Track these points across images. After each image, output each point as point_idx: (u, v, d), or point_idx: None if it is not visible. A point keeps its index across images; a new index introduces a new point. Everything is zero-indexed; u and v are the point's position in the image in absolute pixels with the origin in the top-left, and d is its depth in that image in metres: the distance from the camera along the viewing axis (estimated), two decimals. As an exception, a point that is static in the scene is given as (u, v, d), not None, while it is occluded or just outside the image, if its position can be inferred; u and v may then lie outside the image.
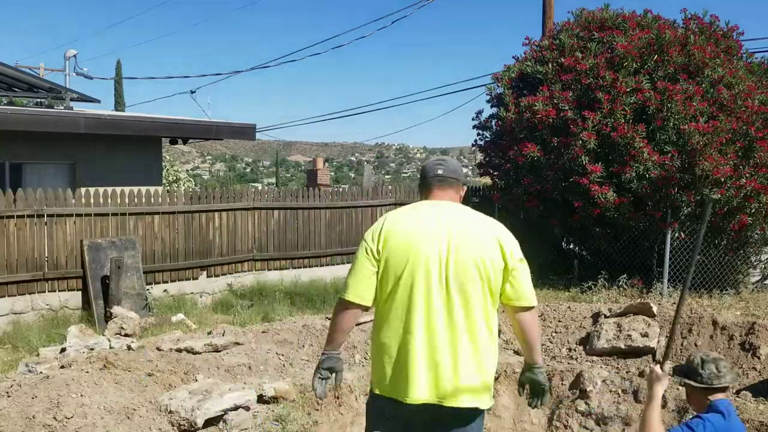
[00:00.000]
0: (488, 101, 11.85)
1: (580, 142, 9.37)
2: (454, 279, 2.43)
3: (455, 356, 2.42)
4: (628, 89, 9.30)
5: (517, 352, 6.24)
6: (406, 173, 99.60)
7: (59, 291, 7.81)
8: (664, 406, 5.30)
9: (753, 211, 9.10)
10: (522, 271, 2.57)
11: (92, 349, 5.64)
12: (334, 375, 2.69)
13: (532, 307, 2.58)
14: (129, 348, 5.44)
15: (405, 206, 2.65)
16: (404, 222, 2.52)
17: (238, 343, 5.51)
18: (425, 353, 2.42)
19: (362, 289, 2.56)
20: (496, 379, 5.92)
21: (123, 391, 4.34)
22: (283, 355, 5.46)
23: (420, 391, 2.42)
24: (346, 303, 2.60)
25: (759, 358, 5.58)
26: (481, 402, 2.48)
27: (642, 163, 8.99)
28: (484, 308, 2.46)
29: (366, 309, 2.58)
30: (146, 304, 8.04)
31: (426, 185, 2.65)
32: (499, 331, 6.50)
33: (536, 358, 2.64)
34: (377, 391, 2.56)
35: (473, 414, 2.48)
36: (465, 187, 2.73)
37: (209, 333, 6.06)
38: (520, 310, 2.55)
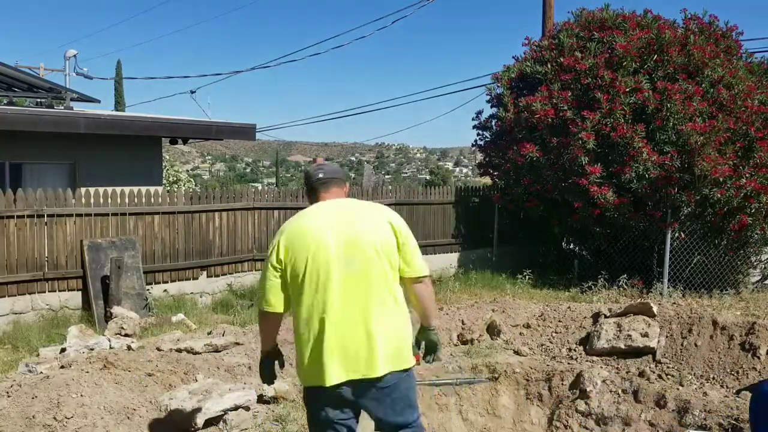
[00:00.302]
0: (488, 101, 11.86)
1: (580, 142, 9.38)
2: (356, 262, 2.69)
3: (367, 331, 2.67)
4: (627, 89, 9.30)
5: (516, 352, 6.24)
6: (406, 173, 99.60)
7: (59, 291, 7.81)
8: (664, 406, 5.30)
9: (753, 211, 9.10)
10: (411, 245, 2.83)
11: (92, 349, 5.64)
12: (276, 363, 3.06)
13: (425, 277, 2.87)
14: (129, 348, 5.44)
15: (297, 214, 2.91)
16: (298, 226, 2.79)
17: (238, 343, 5.51)
18: (337, 336, 2.66)
19: (272, 298, 2.78)
20: (496, 379, 5.93)
21: (123, 391, 4.34)
22: (283, 355, 5.46)
23: (338, 374, 2.66)
24: (263, 313, 2.87)
25: (759, 358, 5.58)
26: (399, 364, 2.74)
27: (641, 163, 9.00)
28: (386, 283, 2.73)
29: (282, 313, 2.83)
30: (146, 304, 8.04)
31: (312, 190, 2.95)
32: (499, 331, 6.51)
33: (431, 321, 3.00)
34: (305, 384, 2.81)
35: (398, 376, 2.74)
36: (347, 184, 3.04)
37: (209, 333, 6.06)
38: (415, 281, 2.84)
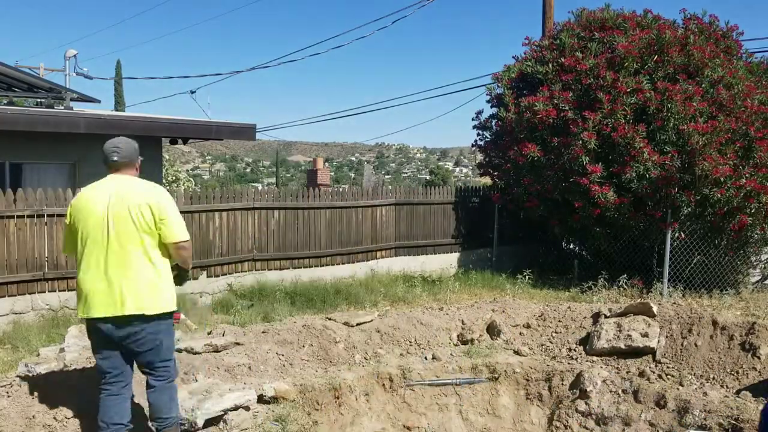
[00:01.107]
0: (488, 101, 11.87)
1: (581, 142, 9.38)
2: (115, 227, 3.48)
3: (120, 282, 3.45)
4: (628, 89, 9.31)
5: (516, 352, 6.24)
6: (406, 173, 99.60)
7: (59, 291, 7.82)
8: (664, 406, 5.30)
9: (753, 211, 9.10)
10: (170, 219, 3.55)
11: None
12: None
13: (182, 242, 3.60)
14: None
15: (92, 183, 3.68)
16: (84, 196, 3.61)
17: (238, 343, 5.50)
18: (101, 282, 3.47)
19: (65, 244, 3.74)
20: (496, 379, 5.93)
21: (123, 391, 4.33)
22: (283, 355, 5.46)
23: (99, 308, 3.46)
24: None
25: (759, 358, 5.58)
26: (146, 309, 3.47)
27: (642, 163, 9.00)
28: (142, 246, 3.50)
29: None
30: (146, 304, 8.04)
31: (107, 166, 3.67)
32: (499, 332, 6.51)
33: (186, 268, 3.80)
34: (81, 315, 3.57)
35: (146, 319, 3.49)
36: (139, 160, 3.77)
37: (209, 333, 6.06)
38: (174, 246, 3.59)
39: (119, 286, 3.45)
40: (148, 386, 3.67)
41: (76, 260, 3.60)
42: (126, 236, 3.48)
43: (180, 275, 3.83)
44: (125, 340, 3.51)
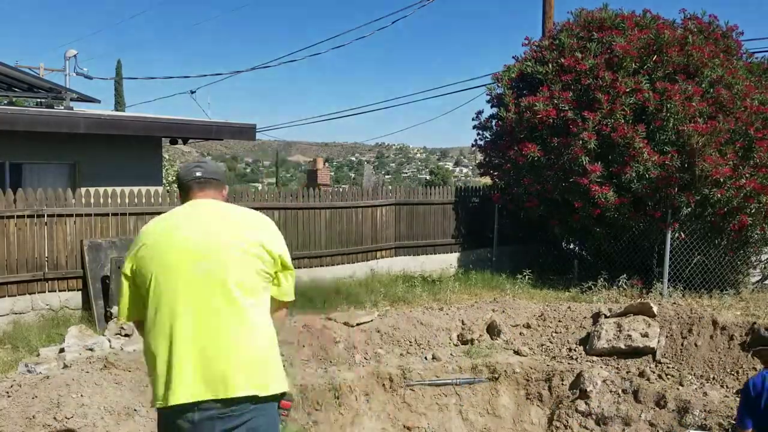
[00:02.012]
0: (488, 101, 11.87)
1: (581, 142, 9.38)
2: (212, 273, 2.37)
3: (221, 351, 2.32)
4: (627, 89, 9.31)
5: (516, 352, 6.24)
6: (406, 173, 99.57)
7: (59, 291, 7.81)
8: (664, 406, 5.30)
9: (753, 211, 9.10)
10: (289, 267, 2.53)
11: (92, 350, 5.64)
12: None
13: (290, 301, 2.60)
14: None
15: (161, 215, 2.58)
16: (156, 233, 2.47)
17: (238, 343, 5.51)
18: (186, 352, 2.31)
19: (126, 308, 2.49)
20: (496, 379, 5.92)
21: (123, 392, 4.34)
22: (283, 355, 5.45)
23: (186, 391, 2.29)
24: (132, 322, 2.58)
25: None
26: (259, 389, 2.35)
27: (642, 164, 9.00)
28: (246, 299, 2.39)
29: (141, 321, 2.48)
30: (146, 304, 8.03)
31: (185, 188, 2.61)
32: (499, 332, 6.50)
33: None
34: (157, 405, 2.37)
35: (256, 402, 2.35)
36: (227, 187, 2.70)
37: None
38: (282, 305, 2.58)
39: (218, 358, 2.33)
40: None
41: (143, 325, 2.44)
42: (230, 287, 2.37)
43: None
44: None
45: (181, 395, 2.28)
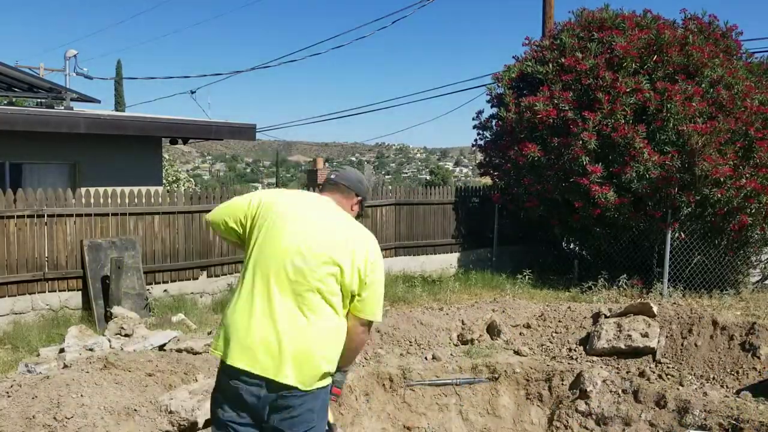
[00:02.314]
0: (488, 101, 11.88)
1: (581, 142, 9.38)
2: (307, 261, 2.50)
3: (291, 335, 2.46)
4: (627, 89, 9.31)
5: (517, 353, 6.24)
6: (406, 173, 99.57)
7: (59, 291, 7.82)
8: (664, 406, 5.30)
9: (753, 211, 9.11)
10: (372, 286, 2.65)
11: (92, 350, 5.63)
12: None
13: (373, 323, 2.72)
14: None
15: (295, 190, 2.84)
16: (287, 198, 2.67)
17: (238, 343, 5.51)
18: (258, 321, 2.46)
19: (224, 216, 2.67)
20: (496, 379, 5.92)
21: (123, 392, 4.33)
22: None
23: (246, 360, 2.44)
24: (208, 222, 2.76)
25: (759, 358, 5.58)
26: (304, 384, 2.47)
27: (642, 164, 9.00)
28: (326, 299, 2.52)
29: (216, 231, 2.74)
30: (146, 304, 8.04)
31: (322, 185, 2.87)
32: (499, 332, 6.50)
33: (348, 365, 2.85)
34: (216, 354, 2.56)
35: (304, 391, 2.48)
36: (358, 197, 2.82)
37: (209, 333, 6.06)
38: (363, 323, 2.67)
39: (284, 340, 2.46)
40: None
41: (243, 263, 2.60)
42: (315, 282, 2.50)
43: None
44: (273, 412, 2.48)
45: (237, 359, 2.44)
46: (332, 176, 2.83)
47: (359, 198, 2.83)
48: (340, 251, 2.55)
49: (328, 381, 2.60)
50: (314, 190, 10.83)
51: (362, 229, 2.69)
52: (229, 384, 2.49)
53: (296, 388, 2.45)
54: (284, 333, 2.45)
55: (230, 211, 2.66)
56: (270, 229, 2.54)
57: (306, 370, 2.47)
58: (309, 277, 2.49)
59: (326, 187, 2.81)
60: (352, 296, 2.59)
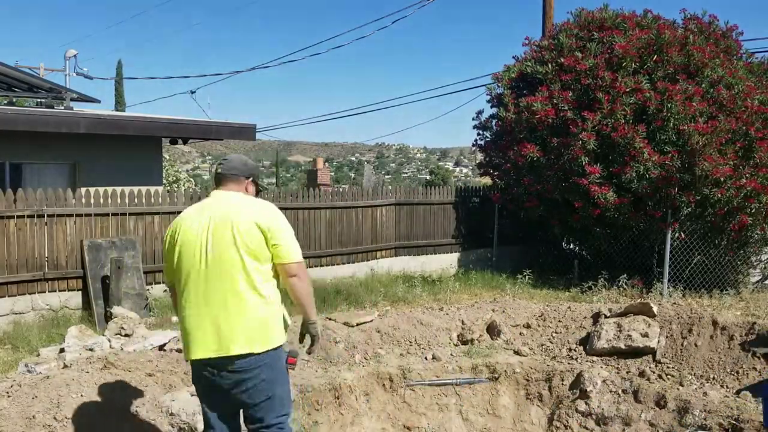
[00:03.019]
0: (488, 101, 11.88)
1: (580, 142, 9.38)
2: (214, 251, 2.96)
3: (224, 314, 2.91)
4: (627, 89, 9.31)
5: (517, 353, 6.24)
6: (406, 173, 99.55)
7: (59, 291, 7.81)
8: (664, 406, 5.30)
9: (753, 211, 9.10)
10: (281, 238, 3.00)
11: (92, 350, 5.63)
12: None
13: (294, 264, 3.02)
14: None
15: (192, 206, 3.23)
16: (185, 217, 3.14)
17: (238, 343, 5.51)
18: (199, 316, 2.94)
19: (167, 273, 3.18)
20: (496, 379, 5.93)
21: (123, 392, 4.33)
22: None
23: (200, 350, 2.93)
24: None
25: (759, 358, 5.58)
26: (253, 347, 2.90)
27: (642, 164, 9.00)
28: (245, 271, 2.93)
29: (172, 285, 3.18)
30: (146, 304, 8.03)
31: (214, 180, 3.22)
32: (499, 332, 6.50)
33: (310, 316, 3.15)
34: (185, 357, 3.07)
35: (251, 361, 2.92)
36: (249, 179, 3.20)
37: (303, 348, 6.06)
38: (287, 274, 3.01)
39: (223, 320, 2.92)
40: None
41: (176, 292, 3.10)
42: (229, 262, 2.94)
43: (307, 329, 3.21)
44: (234, 388, 2.96)
45: (196, 353, 2.94)
46: (219, 170, 3.15)
47: (249, 178, 3.20)
48: (242, 223, 2.96)
49: (273, 345, 2.97)
50: (314, 190, 10.82)
51: (256, 202, 3.11)
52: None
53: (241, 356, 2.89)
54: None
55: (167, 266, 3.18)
56: (182, 248, 3.07)
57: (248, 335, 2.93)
58: (225, 257, 2.96)
59: (220, 181, 3.15)
60: (271, 247, 2.98)
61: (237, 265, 2.93)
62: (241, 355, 2.89)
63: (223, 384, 2.95)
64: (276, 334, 3.00)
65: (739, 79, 9.37)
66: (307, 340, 3.26)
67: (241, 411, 3.11)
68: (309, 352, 3.36)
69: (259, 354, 2.91)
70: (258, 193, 3.28)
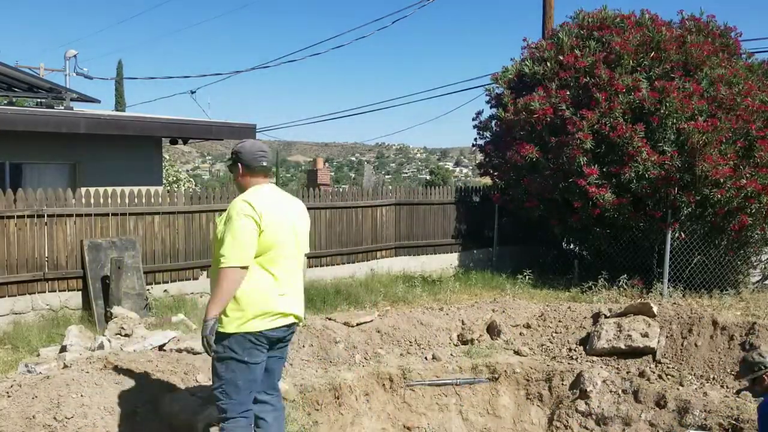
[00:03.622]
0: (488, 102, 11.90)
1: (578, 142, 9.37)
2: (301, 240, 3.57)
3: (299, 289, 3.51)
4: (624, 88, 9.30)
5: (517, 353, 6.24)
6: (406, 173, 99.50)
7: (59, 291, 7.81)
8: (664, 406, 5.30)
9: (753, 211, 9.09)
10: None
11: (92, 350, 5.63)
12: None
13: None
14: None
15: (253, 189, 3.42)
16: (270, 202, 3.38)
17: (238, 343, 5.51)
18: (290, 289, 3.41)
19: (246, 254, 3.25)
20: (496, 379, 5.93)
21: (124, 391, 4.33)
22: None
23: (287, 316, 3.38)
24: (236, 270, 3.25)
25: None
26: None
27: (641, 163, 8.99)
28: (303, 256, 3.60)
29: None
30: (146, 305, 8.03)
31: (254, 171, 3.44)
32: (499, 332, 6.51)
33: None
34: (253, 330, 3.28)
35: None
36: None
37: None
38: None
39: (299, 294, 3.53)
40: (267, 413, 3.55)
41: (257, 266, 3.35)
42: (303, 246, 3.62)
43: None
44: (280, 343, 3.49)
45: (284, 320, 3.37)
46: (265, 163, 3.46)
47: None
48: (306, 217, 3.70)
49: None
50: (315, 190, 10.82)
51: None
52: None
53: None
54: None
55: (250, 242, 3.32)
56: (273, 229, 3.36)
57: None
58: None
59: (266, 174, 3.50)
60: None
61: (302, 255, 3.60)
62: (301, 319, 3.51)
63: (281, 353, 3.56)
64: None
65: (739, 77, 9.37)
66: None
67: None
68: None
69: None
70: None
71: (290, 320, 3.42)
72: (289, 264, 3.44)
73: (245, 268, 3.24)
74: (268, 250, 3.32)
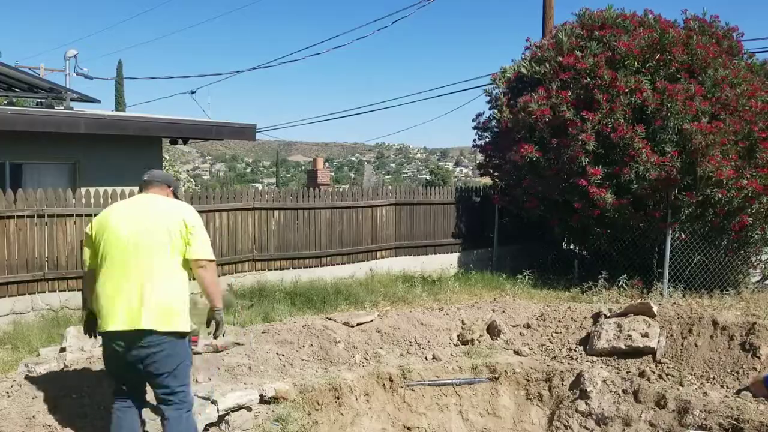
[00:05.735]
0: (487, 102, 11.90)
1: (580, 143, 9.36)
2: (139, 239, 3.45)
3: (140, 295, 3.35)
4: (626, 89, 9.29)
5: (517, 353, 6.24)
6: (406, 173, 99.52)
7: (59, 291, 7.81)
8: (664, 406, 5.30)
9: (753, 211, 9.09)
10: (196, 235, 3.51)
11: (92, 350, 5.62)
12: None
13: (205, 261, 3.51)
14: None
15: (122, 201, 3.89)
16: (111, 212, 3.60)
17: (238, 344, 5.51)
18: (120, 294, 3.37)
19: (88, 260, 3.59)
20: (496, 379, 5.93)
21: (123, 391, 4.32)
22: (283, 356, 5.46)
23: (119, 323, 3.33)
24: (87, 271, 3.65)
25: (759, 358, 5.58)
26: (159, 327, 3.34)
27: (641, 164, 8.98)
28: (166, 260, 3.44)
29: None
30: (146, 304, 8.02)
31: (140, 187, 3.78)
32: (499, 332, 6.51)
33: (215, 303, 3.64)
34: (100, 330, 3.46)
35: (161, 338, 3.37)
36: (170, 188, 3.78)
37: (209, 332, 6.05)
38: (196, 265, 3.49)
39: (139, 300, 3.37)
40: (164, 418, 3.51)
41: (96, 273, 3.50)
42: (153, 248, 3.43)
43: (212, 315, 3.67)
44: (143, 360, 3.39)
45: (112, 325, 3.34)
46: (145, 177, 3.76)
47: (171, 188, 3.79)
48: (169, 220, 3.53)
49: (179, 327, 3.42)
50: (315, 190, 10.79)
51: (180, 204, 3.71)
52: None
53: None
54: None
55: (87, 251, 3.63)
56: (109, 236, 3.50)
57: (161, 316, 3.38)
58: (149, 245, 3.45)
59: (147, 187, 3.73)
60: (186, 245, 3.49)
61: (161, 253, 3.45)
62: (145, 330, 3.37)
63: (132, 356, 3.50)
64: (181, 321, 3.47)
65: (742, 78, 9.36)
66: (213, 325, 3.70)
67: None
68: (216, 336, 3.80)
69: (163, 332, 3.40)
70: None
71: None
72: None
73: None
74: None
